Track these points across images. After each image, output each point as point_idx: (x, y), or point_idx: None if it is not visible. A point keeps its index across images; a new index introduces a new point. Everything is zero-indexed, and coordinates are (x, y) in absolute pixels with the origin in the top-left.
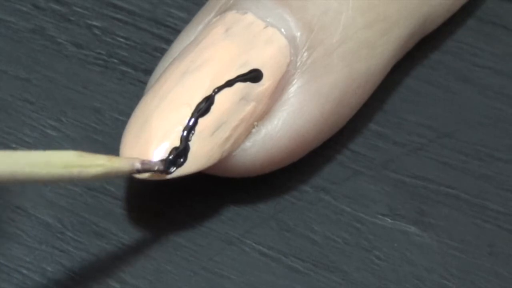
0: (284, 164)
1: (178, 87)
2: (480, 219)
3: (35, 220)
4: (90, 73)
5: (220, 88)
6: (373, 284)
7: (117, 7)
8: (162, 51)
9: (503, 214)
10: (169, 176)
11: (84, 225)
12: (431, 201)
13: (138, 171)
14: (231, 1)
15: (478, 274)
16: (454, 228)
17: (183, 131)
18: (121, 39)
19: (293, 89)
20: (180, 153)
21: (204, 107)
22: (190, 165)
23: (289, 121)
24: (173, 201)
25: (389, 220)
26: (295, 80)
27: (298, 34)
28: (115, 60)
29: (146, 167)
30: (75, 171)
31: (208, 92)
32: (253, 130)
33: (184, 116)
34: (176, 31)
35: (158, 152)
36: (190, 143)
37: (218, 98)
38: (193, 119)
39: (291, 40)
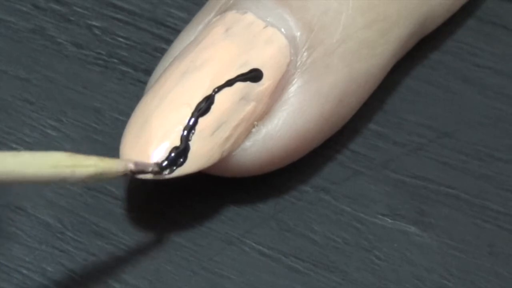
0: (284, 164)
1: (178, 87)
2: (480, 219)
3: (35, 220)
4: (90, 73)
5: (220, 88)
6: (373, 284)
7: (117, 7)
8: (162, 51)
9: (503, 214)
10: (169, 176)
11: (84, 225)
12: (431, 201)
13: (132, 172)
14: (231, 1)
15: (478, 274)
16: (454, 228)
17: (183, 130)
18: (121, 39)
19: (293, 88)
20: (180, 153)
21: (204, 106)
22: (190, 165)
23: (289, 120)
24: (173, 201)
25: (389, 220)
26: (295, 80)
27: (298, 34)
28: (115, 60)
29: (140, 168)
30: (66, 171)
31: (208, 91)
32: (253, 129)
33: (184, 116)
34: (176, 31)
35: (158, 152)
36: (190, 143)
37: (218, 97)
38: (193, 119)
39: (291, 40)
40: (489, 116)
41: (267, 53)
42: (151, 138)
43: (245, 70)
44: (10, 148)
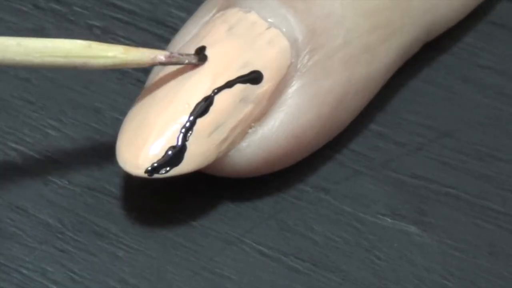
0: (281, 167)
1: (178, 86)
2: (480, 219)
3: (35, 220)
4: (90, 73)
5: (219, 89)
6: (373, 284)
7: (117, 7)
8: None
9: (503, 214)
10: (165, 175)
11: (84, 225)
12: (431, 201)
13: (162, 64)
14: None
15: (478, 274)
16: (454, 228)
17: (181, 130)
18: (121, 39)
19: (292, 90)
20: (177, 153)
21: (202, 107)
22: (186, 165)
23: (286, 122)
24: (173, 201)
25: (389, 220)
26: (294, 82)
27: (301, 36)
28: None
29: (173, 60)
30: (78, 61)
31: (208, 92)
32: (250, 130)
33: (183, 115)
34: (176, 31)
35: (154, 148)
36: (188, 143)
37: (217, 99)
38: (191, 119)
39: (293, 42)
40: (489, 116)
41: (268, 55)
42: (149, 135)
43: (245, 71)
44: (10, 148)
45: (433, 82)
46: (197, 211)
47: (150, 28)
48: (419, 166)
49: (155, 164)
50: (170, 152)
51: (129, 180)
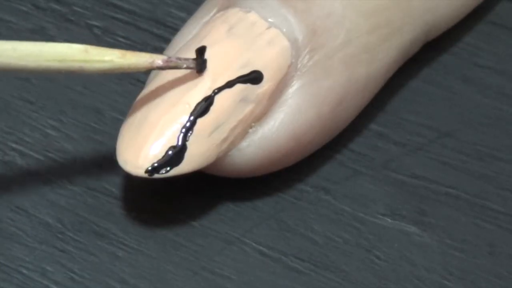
0: (281, 167)
1: (178, 86)
2: (480, 219)
3: (35, 220)
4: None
5: (220, 89)
6: (373, 284)
7: (117, 7)
8: (162, 51)
9: (503, 214)
10: (165, 175)
11: (84, 225)
12: (431, 201)
13: (160, 68)
14: None
15: (478, 274)
16: (454, 228)
17: (181, 130)
18: (121, 39)
19: (292, 90)
20: (177, 152)
21: (203, 107)
22: (187, 165)
23: (286, 122)
24: (173, 201)
25: (389, 220)
26: (294, 82)
27: (301, 36)
28: None
29: (170, 65)
30: (74, 66)
31: (208, 92)
32: (250, 130)
33: (183, 115)
34: (176, 31)
35: (154, 148)
36: (188, 143)
37: (217, 98)
38: (192, 119)
39: (293, 42)
40: (489, 116)
41: (268, 55)
42: (149, 135)
43: (246, 71)
44: (10, 148)
45: (433, 82)
46: (197, 211)
47: (150, 28)
48: (419, 166)
49: (156, 164)
50: (170, 152)
51: (129, 180)
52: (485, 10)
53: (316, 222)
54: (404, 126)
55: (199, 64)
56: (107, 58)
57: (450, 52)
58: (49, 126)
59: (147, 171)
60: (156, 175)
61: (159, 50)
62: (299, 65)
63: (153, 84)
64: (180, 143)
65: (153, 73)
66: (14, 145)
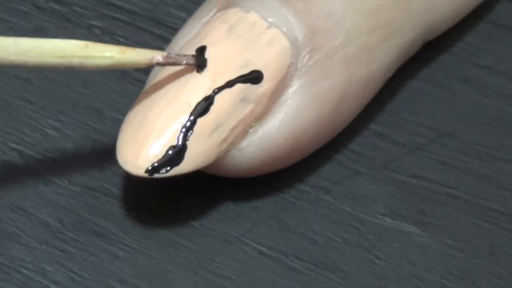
0: (281, 166)
1: (178, 86)
2: (480, 219)
3: (35, 220)
4: (90, 73)
5: (220, 89)
6: (373, 284)
7: (117, 7)
8: None
9: (503, 214)
10: (165, 175)
11: (84, 225)
12: (431, 201)
13: (159, 64)
14: None
15: (478, 274)
16: (454, 228)
17: (181, 130)
18: (121, 39)
19: (292, 90)
20: (177, 152)
21: (203, 107)
22: (187, 165)
23: (286, 122)
24: (173, 201)
25: (389, 220)
26: (294, 82)
27: (301, 36)
28: None
29: (170, 61)
30: (75, 61)
31: (208, 92)
32: (250, 130)
33: (183, 115)
34: (176, 31)
35: (154, 147)
36: (188, 143)
37: (217, 98)
38: (192, 119)
39: (293, 42)
40: (489, 116)
41: (268, 55)
42: (149, 135)
43: (246, 71)
44: (10, 148)
45: (433, 82)
46: (197, 211)
47: (150, 28)
48: (419, 166)
49: (156, 164)
50: (170, 152)
51: (129, 180)
52: (485, 10)
53: (316, 222)
54: (404, 126)
55: (199, 60)
56: (107, 54)
57: (450, 52)
58: (49, 126)
59: (147, 171)
60: (156, 175)
61: None
62: (299, 65)
63: (153, 84)
64: (180, 143)
65: (153, 73)
66: (14, 145)
